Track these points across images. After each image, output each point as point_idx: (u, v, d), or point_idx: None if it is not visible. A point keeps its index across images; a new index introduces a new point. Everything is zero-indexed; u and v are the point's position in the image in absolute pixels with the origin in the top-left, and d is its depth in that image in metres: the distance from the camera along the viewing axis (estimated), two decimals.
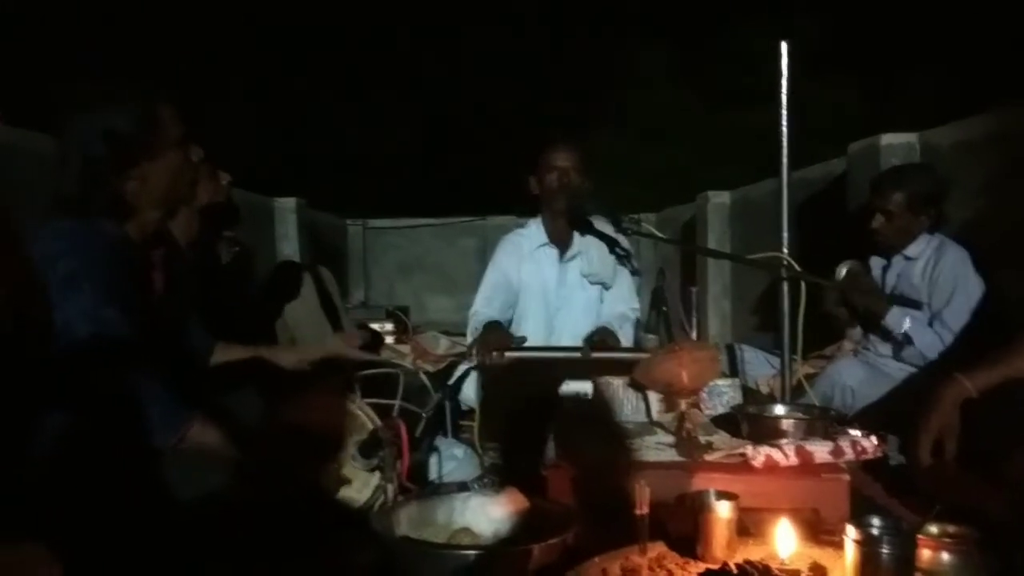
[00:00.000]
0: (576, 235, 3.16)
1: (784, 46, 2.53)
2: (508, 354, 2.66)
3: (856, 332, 3.23)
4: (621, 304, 3.16)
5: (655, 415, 2.13)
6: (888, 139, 3.74)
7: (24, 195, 2.67)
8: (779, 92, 2.54)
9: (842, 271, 3.13)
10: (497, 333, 2.87)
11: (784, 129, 2.55)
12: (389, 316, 5.05)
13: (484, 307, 3.17)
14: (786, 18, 11.15)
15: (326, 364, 2.19)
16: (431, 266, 8.58)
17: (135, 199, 1.74)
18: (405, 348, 4.48)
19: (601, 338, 2.99)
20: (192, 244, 2.57)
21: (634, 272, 3.19)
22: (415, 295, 8.21)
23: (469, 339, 3.06)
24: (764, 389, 3.21)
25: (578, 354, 2.65)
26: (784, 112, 2.53)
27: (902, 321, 2.88)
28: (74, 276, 1.61)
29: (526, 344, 3.06)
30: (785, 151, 2.57)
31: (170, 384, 1.66)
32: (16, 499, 1.42)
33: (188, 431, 1.62)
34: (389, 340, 4.70)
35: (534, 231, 3.24)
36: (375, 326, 4.74)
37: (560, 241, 3.19)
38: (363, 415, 1.97)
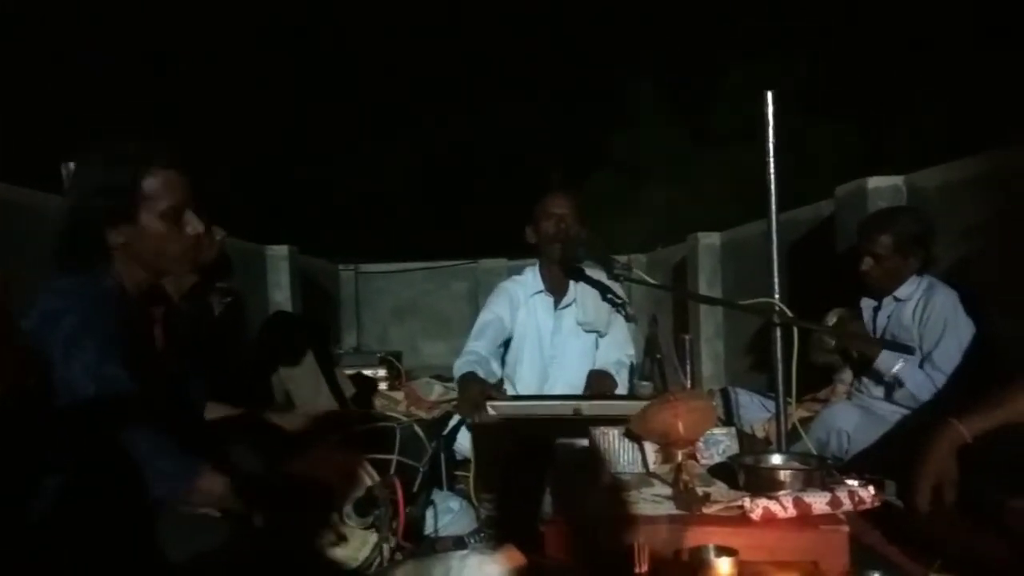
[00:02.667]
0: (571, 283, 3.18)
1: (769, 95, 2.57)
2: (496, 404, 2.65)
3: (847, 375, 3.24)
4: (616, 351, 3.17)
5: (652, 466, 2.11)
6: (875, 182, 3.78)
7: (15, 251, 2.69)
8: (766, 140, 2.56)
9: (832, 319, 3.15)
10: (474, 387, 2.80)
11: (771, 175, 2.57)
12: (382, 362, 5.02)
13: (473, 342, 3.17)
14: (776, 61, 11.36)
15: (325, 420, 2.18)
16: (423, 310, 8.58)
17: (122, 256, 1.74)
18: (399, 395, 4.46)
19: (599, 381, 2.98)
20: (185, 297, 2.58)
21: (628, 319, 3.20)
22: (408, 339, 8.19)
23: (454, 377, 3.04)
24: (760, 433, 3.20)
25: (568, 403, 2.65)
26: (771, 160, 2.56)
27: (893, 363, 2.89)
28: (77, 334, 1.60)
29: (516, 394, 3.06)
30: (773, 197, 2.59)
31: (175, 438, 1.65)
32: (21, 561, 1.41)
33: (198, 482, 1.60)
34: (382, 387, 4.67)
35: (530, 279, 3.26)
36: (368, 372, 4.72)
37: (556, 289, 3.21)
38: (360, 472, 1.96)
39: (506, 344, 3.26)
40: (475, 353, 3.09)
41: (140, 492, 1.58)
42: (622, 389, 3.04)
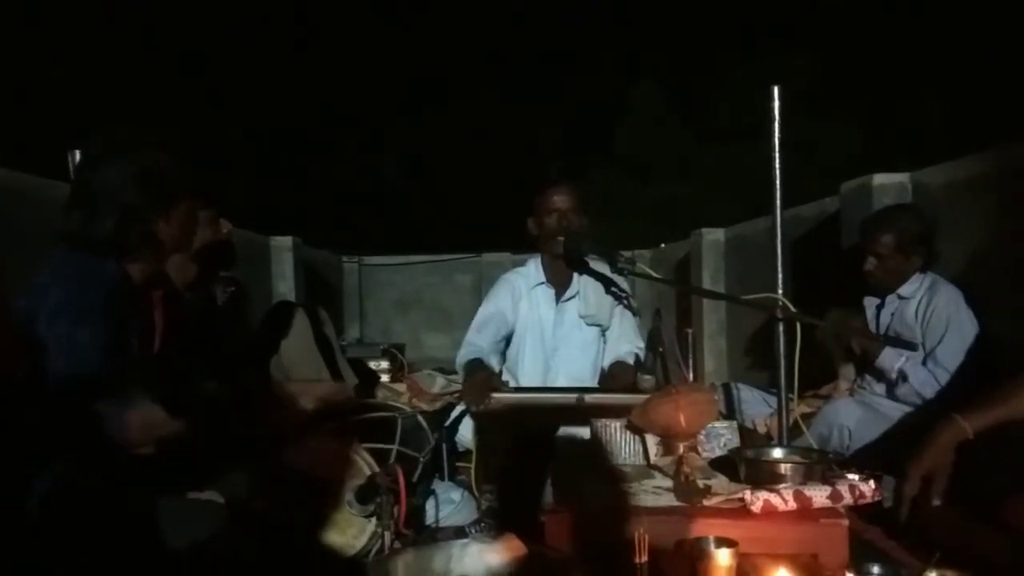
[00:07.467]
0: (575, 275, 3.16)
1: (776, 89, 2.57)
2: (499, 396, 2.66)
3: (849, 370, 3.23)
4: (626, 343, 3.15)
5: (653, 458, 2.12)
6: (880, 179, 3.78)
7: (18, 238, 2.70)
8: (772, 134, 2.57)
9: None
10: (480, 375, 2.80)
11: (777, 171, 2.58)
12: (385, 354, 5.03)
13: (474, 335, 3.15)
14: (781, 57, 11.33)
15: (325, 409, 2.18)
16: (427, 303, 8.58)
17: (161, 241, 1.78)
18: (401, 387, 4.46)
19: (621, 373, 2.97)
20: (189, 286, 2.58)
21: (633, 312, 3.19)
22: (411, 332, 8.19)
23: (458, 368, 3.04)
24: (761, 429, 3.20)
25: (570, 396, 2.65)
26: (776, 155, 2.56)
27: (896, 360, 2.89)
28: (60, 306, 1.62)
29: (519, 385, 3.06)
30: (778, 193, 2.59)
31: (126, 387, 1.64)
32: (15, 548, 1.41)
33: (133, 415, 1.58)
34: (385, 379, 4.67)
35: (532, 271, 3.24)
36: (371, 364, 4.72)
37: (558, 281, 3.19)
38: (361, 461, 1.96)
39: (508, 338, 3.25)
40: (476, 346, 3.09)
41: (133, 475, 1.58)
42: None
